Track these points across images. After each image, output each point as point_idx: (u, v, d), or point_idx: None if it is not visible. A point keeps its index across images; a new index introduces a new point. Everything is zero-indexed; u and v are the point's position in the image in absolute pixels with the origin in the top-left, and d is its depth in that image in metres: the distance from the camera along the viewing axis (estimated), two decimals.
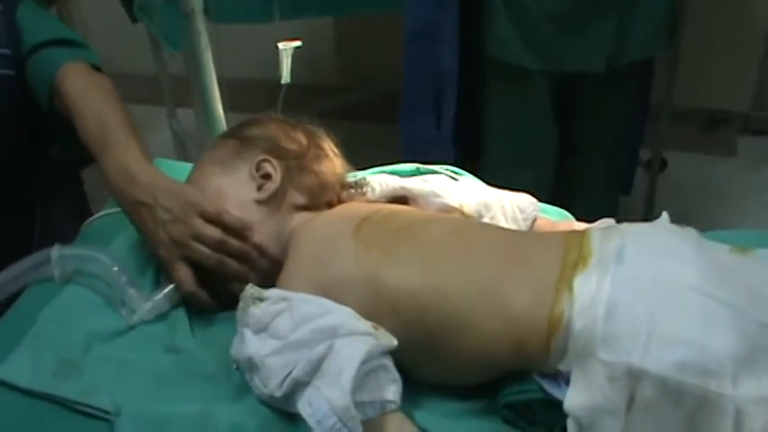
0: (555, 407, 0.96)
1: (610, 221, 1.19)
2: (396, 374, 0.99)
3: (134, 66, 3.19)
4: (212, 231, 1.14)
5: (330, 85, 3.33)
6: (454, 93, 2.03)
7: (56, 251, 1.22)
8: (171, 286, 1.17)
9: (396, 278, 1.04)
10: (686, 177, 3.05)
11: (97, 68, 1.40)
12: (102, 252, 1.22)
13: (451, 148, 2.09)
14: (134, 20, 2.58)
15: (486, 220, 1.25)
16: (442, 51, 1.98)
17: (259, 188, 1.21)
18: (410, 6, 1.98)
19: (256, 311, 1.03)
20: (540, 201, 1.32)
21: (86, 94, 1.32)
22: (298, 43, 1.70)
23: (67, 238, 1.31)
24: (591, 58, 1.93)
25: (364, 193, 1.28)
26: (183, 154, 2.89)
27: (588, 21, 1.88)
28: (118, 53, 3.00)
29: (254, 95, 2.22)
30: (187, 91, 2.43)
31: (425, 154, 1.82)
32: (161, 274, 1.22)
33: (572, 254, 1.02)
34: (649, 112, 2.48)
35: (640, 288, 0.94)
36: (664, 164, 2.92)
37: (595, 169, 2.24)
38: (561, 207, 1.40)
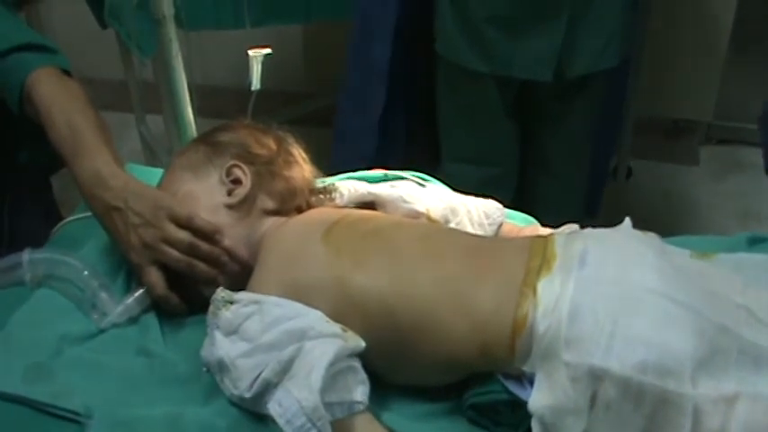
0: (519, 407, 0.98)
1: (574, 227, 1.21)
2: (363, 376, 1.00)
3: (103, 72, 3.18)
4: (183, 235, 1.15)
5: (299, 91, 3.33)
6: (383, 81, 2.05)
7: (26, 255, 1.22)
8: (142, 290, 1.18)
9: (365, 282, 1.06)
10: (649, 185, 3.09)
11: (68, 73, 1.40)
12: (73, 256, 1.22)
13: (374, 139, 2.10)
14: (103, 26, 2.57)
15: (452, 225, 1.27)
16: (377, 43, 2.02)
17: (229, 193, 1.22)
18: (360, 3, 2.03)
19: (227, 314, 1.05)
20: (498, 201, 1.34)
21: (57, 99, 1.31)
22: (268, 51, 1.71)
23: (37, 242, 1.30)
24: (537, 67, 1.92)
25: (333, 199, 1.29)
26: (152, 160, 2.88)
27: (534, 29, 1.87)
28: (86, 59, 2.98)
29: (223, 102, 2.23)
30: (156, 97, 2.43)
31: (353, 143, 1.84)
32: (132, 277, 1.23)
33: (536, 258, 1.04)
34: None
35: (602, 291, 0.97)
36: (629, 172, 2.96)
37: (554, 179, 2.22)
38: (524, 213, 1.42)
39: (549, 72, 1.91)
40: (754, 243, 1.28)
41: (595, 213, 2.49)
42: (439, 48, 2.02)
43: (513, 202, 1.34)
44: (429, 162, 2.07)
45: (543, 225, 1.37)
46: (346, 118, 2.19)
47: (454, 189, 1.39)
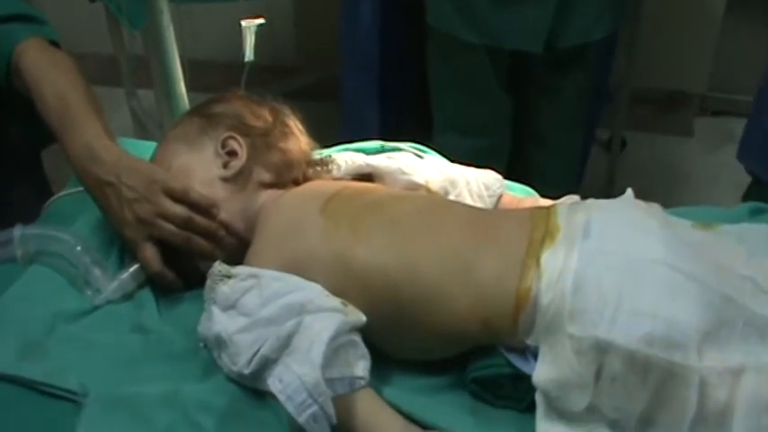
0: (523, 381, 0.97)
1: (575, 198, 1.20)
2: (364, 350, 0.99)
3: (92, 46, 3.15)
4: (179, 209, 1.13)
5: (292, 64, 3.32)
6: (375, 48, 2.08)
7: (18, 231, 1.21)
8: (136, 266, 1.16)
9: (366, 255, 1.04)
10: (644, 157, 3.09)
11: (56, 45, 1.38)
12: (66, 231, 1.21)
13: (375, 104, 2.14)
14: None
15: (451, 196, 1.25)
16: (364, 7, 2.04)
17: (225, 165, 1.20)
18: None
19: (224, 289, 1.03)
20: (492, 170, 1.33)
21: (46, 71, 1.29)
22: (261, 21, 1.69)
23: (28, 218, 1.29)
24: (528, 38, 1.91)
25: (330, 171, 1.28)
26: (143, 135, 2.85)
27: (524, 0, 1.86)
28: (75, 32, 2.95)
29: (214, 76, 2.20)
30: (146, 72, 2.40)
31: (356, 104, 1.83)
32: (126, 253, 1.21)
33: (539, 230, 1.03)
34: (608, 94, 2.48)
35: (607, 262, 0.96)
36: (623, 144, 2.95)
37: (549, 152, 2.22)
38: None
39: (539, 43, 1.90)
40: (757, 213, 1.27)
41: (578, 183, 2.47)
42: (430, 19, 2.01)
43: (506, 174, 1.33)
44: (421, 133, 2.06)
45: (542, 196, 1.36)
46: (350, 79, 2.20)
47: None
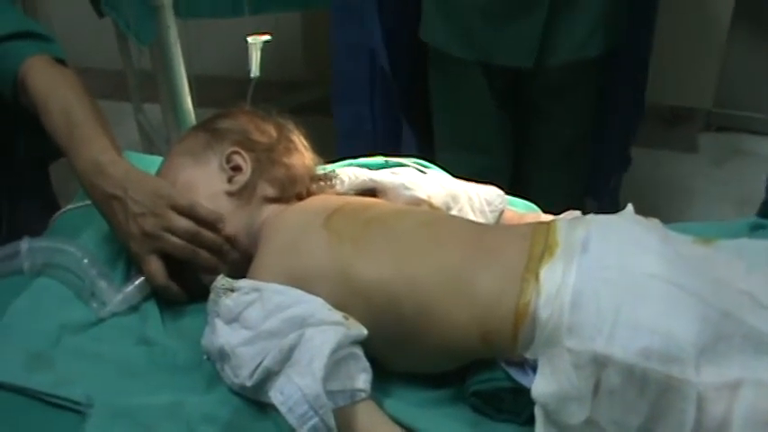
0: (522, 394, 0.98)
1: (576, 213, 1.21)
2: (366, 363, 1.00)
3: (100, 61, 3.17)
4: (185, 223, 1.15)
5: (298, 80, 3.33)
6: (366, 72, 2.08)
7: (25, 243, 1.22)
8: (141, 278, 1.17)
9: (368, 269, 1.05)
10: (649, 173, 3.08)
11: (62, 62, 1.39)
12: (72, 244, 1.22)
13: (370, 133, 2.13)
14: (101, 15, 2.56)
15: (454, 212, 1.26)
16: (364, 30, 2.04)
17: (229, 180, 1.21)
18: None
19: (228, 302, 1.04)
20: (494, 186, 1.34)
21: (53, 87, 1.31)
22: (267, 37, 1.71)
23: (36, 234, 1.30)
24: (518, 54, 1.89)
25: (334, 186, 1.29)
26: (150, 150, 2.87)
27: (515, 15, 1.84)
28: (83, 48, 2.98)
29: (221, 91, 2.22)
30: (153, 87, 2.42)
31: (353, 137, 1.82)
32: (131, 266, 1.22)
33: (538, 245, 1.04)
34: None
35: (605, 277, 0.96)
36: (628, 159, 2.94)
37: (548, 176, 2.17)
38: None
39: (530, 59, 1.88)
40: (757, 229, 1.28)
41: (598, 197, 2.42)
42: (422, 35, 2.01)
43: (508, 191, 1.33)
44: (424, 150, 2.07)
45: (544, 212, 1.36)
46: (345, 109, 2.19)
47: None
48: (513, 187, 2.03)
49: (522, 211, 1.37)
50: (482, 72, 1.96)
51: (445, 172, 1.40)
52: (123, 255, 1.24)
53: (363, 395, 0.98)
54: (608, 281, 0.96)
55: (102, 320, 1.16)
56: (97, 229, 1.26)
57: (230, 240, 1.18)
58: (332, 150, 1.36)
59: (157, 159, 1.35)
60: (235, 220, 1.19)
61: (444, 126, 2.15)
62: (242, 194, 1.21)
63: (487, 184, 1.34)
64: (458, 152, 2.08)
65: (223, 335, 1.02)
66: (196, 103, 1.86)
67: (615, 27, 1.95)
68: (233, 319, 1.03)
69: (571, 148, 2.15)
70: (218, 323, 1.04)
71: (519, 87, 2.03)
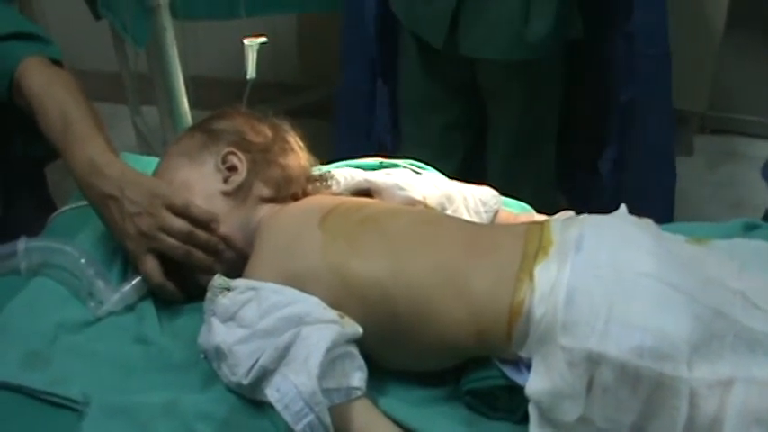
0: (517, 392, 0.99)
1: (570, 213, 1.22)
2: (361, 362, 1.01)
3: (96, 63, 3.17)
4: (180, 223, 1.15)
5: (294, 82, 3.34)
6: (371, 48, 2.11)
7: (22, 243, 1.22)
8: (138, 278, 1.18)
9: (363, 268, 1.06)
10: None
11: (59, 63, 1.39)
12: (69, 244, 1.22)
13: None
14: (97, 17, 2.56)
15: (448, 212, 1.27)
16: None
17: (225, 180, 1.22)
18: None
19: (224, 301, 1.05)
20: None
21: (48, 88, 1.30)
22: (263, 39, 1.71)
23: (32, 232, 1.30)
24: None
25: (329, 187, 1.29)
26: (146, 151, 2.87)
27: (485, 5, 1.83)
28: (80, 50, 2.98)
29: (217, 93, 2.22)
30: (150, 89, 2.43)
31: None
32: (128, 265, 1.23)
33: (533, 244, 1.04)
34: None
35: (599, 275, 0.97)
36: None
37: (508, 165, 2.13)
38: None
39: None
40: (750, 229, 1.29)
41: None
42: (394, 9, 2.04)
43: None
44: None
45: (538, 212, 1.37)
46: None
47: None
48: (472, 171, 1.97)
49: (517, 211, 1.38)
50: (445, 59, 1.97)
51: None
52: (120, 254, 1.24)
53: (359, 393, 0.99)
54: (601, 279, 0.97)
55: (99, 319, 1.16)
56: (94, 229, 1.27)
57: (226, 240, 1.19)
58: (327, 152, 1.36)
59: (153, 160, 1.36)
60: (230, 220, 1.19)
61: (408, 116, 2.14)
62: (238, 195, 1.21)
63: (480, 185, 1.35)
64: (415, 144, 2.06)
65: (219, 333, 1.03)
66: (192, 105, 1.87)
67: (566, 24, 1.90)
68: (229, 318, 1.04)
69: (531, 139, 2.11)
70: (215, 322, 1.05)
71: (480, 75, 2.03)
